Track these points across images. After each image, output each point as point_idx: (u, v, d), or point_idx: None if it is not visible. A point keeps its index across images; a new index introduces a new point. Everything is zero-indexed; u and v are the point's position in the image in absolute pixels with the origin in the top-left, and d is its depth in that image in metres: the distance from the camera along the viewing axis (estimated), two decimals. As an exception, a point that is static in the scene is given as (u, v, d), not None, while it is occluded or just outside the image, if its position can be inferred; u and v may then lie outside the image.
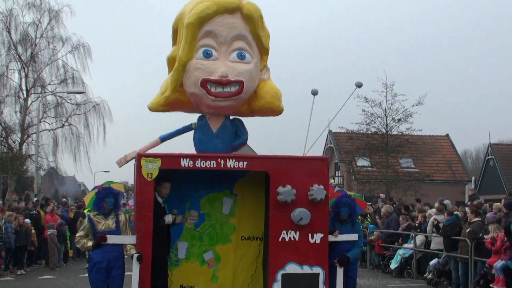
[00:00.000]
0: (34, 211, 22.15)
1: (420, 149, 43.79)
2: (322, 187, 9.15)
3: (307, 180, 9.20)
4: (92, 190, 9.79)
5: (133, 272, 8.67)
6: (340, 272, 9.37)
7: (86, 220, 9.43)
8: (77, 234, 9.39)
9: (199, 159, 9.03)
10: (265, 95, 9.50)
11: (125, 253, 9.14)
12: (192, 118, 9.91)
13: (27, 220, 20.04)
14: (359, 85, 10.17)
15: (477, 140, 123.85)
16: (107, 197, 9.22)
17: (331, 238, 9.39)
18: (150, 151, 9.35)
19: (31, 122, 37.04)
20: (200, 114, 9.73)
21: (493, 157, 49.18)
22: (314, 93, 10.05)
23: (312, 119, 9.91)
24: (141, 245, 8.80)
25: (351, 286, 9.72)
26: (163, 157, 8.98)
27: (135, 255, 8.65)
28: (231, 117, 9.77)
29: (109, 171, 55.35)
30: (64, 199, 32.65)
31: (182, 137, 9.91)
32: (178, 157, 9.01)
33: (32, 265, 21.59)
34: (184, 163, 8.99)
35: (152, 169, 8.89)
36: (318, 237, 9.21)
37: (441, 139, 52.10)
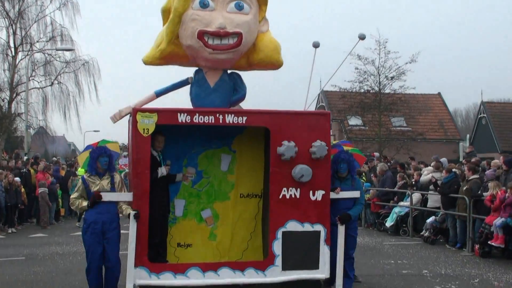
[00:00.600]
0: (24, 170, 21.86)
1: (412, 108, 43.45)
2: (324, 143, 8.88)
3: (309, 136, 8.93)
4: (86, 149, 9.36)
5: (130, 231, 8.41)
6: (341, 230, 9.15)
7: (80, 181, 9.08)
8: (72, 196, 9.06)
9: (197, 114, 8.71)
10: (264, 48, 9.17)
11: (120, 213, 8.85)
12: (188, 72, 9.57)
13: (17, 179, 19.73)
14: (362, 37, 9.83)
15: (468, 99, 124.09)
16: (101, 157, 8.84)
17: (333, 195, 9.16)
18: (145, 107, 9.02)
19: (20, 80, 36.53)
20: (196, 68, 9.37)
21: (485, 115, 48.93)
22: (316, 45, 9.70)
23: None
24: (138, 203, 8.52)
25: (352, 244, 9.52)
26: (159, 112, 8.65)
27: (132, 213, 8.38)
28: (229, 71, 9.42)
29: (99, 131, 54.97)
30: (54, 158, 32.34)
31: (178, 92, 9.57)
32: (175, 112, 8.68)
33: (23, 223, 21.39)
34: (182, 118, 8.67)
35: (148, 124, 8.56)
36: (319, 194, 8.98)
37: (433, 97, 51.74)
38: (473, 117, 59.43)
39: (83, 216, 8.98)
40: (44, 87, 37.53)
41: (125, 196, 8.75)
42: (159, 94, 9.38)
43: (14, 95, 36.18)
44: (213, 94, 9.15)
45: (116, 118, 9.09)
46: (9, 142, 41.33)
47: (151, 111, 8.64)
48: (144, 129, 8.55)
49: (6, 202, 18.61)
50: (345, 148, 9.82)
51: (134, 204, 8.54)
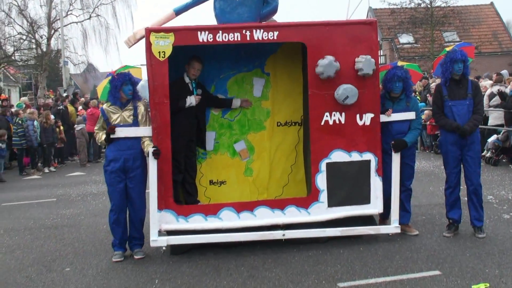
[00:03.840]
0: (61, 107, 20.99)
1: (464, 21, 41.07)
2: (370, 57, 7.50)
3: (353, 50, 7.56)
4: (105, 77, 8.19)
5: (150, 170, 7.32)
6: (396, 158, 7.84)
7: (100, 113, 7.92)
8: (94, 128, 7.96)
9: (220, 32, 7.39)
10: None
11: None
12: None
13: (51, 116, 18.87)
14: None
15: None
16: (124, 85, 7.61)
17: (383, 118, 7.83)
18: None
19: (58, 15, 35.47)
20: (220, -22, 8.01)
21: (543, 24, 46.11)
22: None
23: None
24: (158, 138, 7.39)
25: (408, 174, 8.15)
26: (176, 31, 7.37)
27: (151, 150, 7.27)
28: (257, -20, 8.02)
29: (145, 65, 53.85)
30: (99, 95, 31.62)
31: (201, 9, 8.27)
32: (194, 30, 7.39)
33: (64, 162, 20.70)
34: (203, 37, 7.37)
35: (164, 46, 7.32)
36: (367, 118, 7.67)
37: (485, 8, 48.79)
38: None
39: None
40: (82, 21, 36.48)
41: (142, 130, 7.58)
42: (178, 11, 8.10)
43: (52, 31, 35.26)
44: (240, 8, 7.81)
45: (130, 42, 7.90)
46: (56, 81, 40.85)
47: (167, 30, 7.38)
48: (159, 52, 7.32)
49: (40, 141, 17.85)
50: (399, 63, 8.38)
51: (154, 139, 7.42)
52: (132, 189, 7.61)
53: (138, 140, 7.62)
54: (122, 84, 7.62)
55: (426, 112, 18.45)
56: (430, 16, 35.15)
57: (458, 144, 7.93)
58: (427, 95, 19.38)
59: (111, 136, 7.47)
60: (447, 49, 8.30)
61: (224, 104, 8.68)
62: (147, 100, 7.71)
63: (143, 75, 8.09)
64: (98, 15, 36.58)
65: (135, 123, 7.62)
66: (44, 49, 34.53)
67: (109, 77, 7.87)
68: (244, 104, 8.67)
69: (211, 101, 8.56)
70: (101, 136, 7.66)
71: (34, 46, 34.88)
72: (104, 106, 7.80)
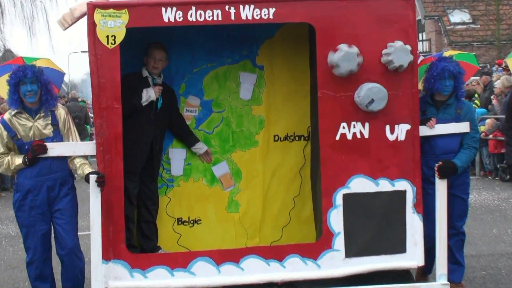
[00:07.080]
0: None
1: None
2: (407, 46, 7.66)
3: (380, 35, 7.73)
4: (3, 71, 8.12)
5: (92, 203, 7.34)
6: (442, 187, 7.98)
7: (0, 126, 7.72)
8: None
9: (194, 8, 7.53)
10: None
11: (74, 172, 7.79)
12: None
13: None
14: None
15: None
16: (22, 84, 7.52)
17: (425, 131, 7.99)
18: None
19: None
20: None
21: None
22: None
23: None
24: (105, 158, 7.46)
25: (460, 211, 8.30)
26: (131, 7, 7.50)
27: (92, 177, 7.27)
28: None
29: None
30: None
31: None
32: (157, 5, 7.53)
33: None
34: (169, 15, 7.51)
35: (114, 28, 7.46)
36: (402, 131, 7.83)
37: None
38: None
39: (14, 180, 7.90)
40: (-3, -10, 36.79)
41: (83, 147, 7.69)
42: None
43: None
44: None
45: (66, 22, 7.96)
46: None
47: (118, 6, 7.49)
48: (108, 37, 7.44)
49: None
50: (445, 54, 8.55)
51: (98, 159, 7.51)
52: (62, 228, 7.68)
53: (63, 159, 7.69)
54: (18, 83, 7.56)
55: (488, 121, 18.77)
56: (495, -15, 35.66)
57: None
58: (493, 97, 19.60)
59: (40, 156, 7.47)
60: None
61: (185, 137, 8.87)
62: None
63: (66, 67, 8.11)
64: (20, -19, 36.93)
65: (57, 135, 7.68)
66: None
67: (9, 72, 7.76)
68: (206, 158, 8.92)
69: (173, 120, 8.77)
70: (12, 161, 7.58)
71: None
72: (6, 115, 7.76)
